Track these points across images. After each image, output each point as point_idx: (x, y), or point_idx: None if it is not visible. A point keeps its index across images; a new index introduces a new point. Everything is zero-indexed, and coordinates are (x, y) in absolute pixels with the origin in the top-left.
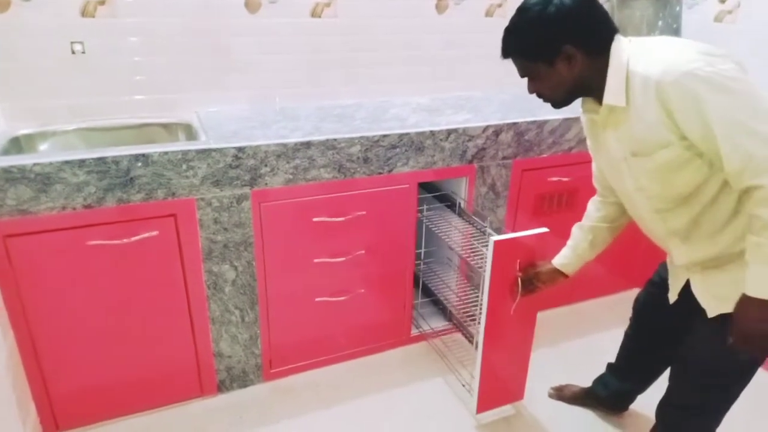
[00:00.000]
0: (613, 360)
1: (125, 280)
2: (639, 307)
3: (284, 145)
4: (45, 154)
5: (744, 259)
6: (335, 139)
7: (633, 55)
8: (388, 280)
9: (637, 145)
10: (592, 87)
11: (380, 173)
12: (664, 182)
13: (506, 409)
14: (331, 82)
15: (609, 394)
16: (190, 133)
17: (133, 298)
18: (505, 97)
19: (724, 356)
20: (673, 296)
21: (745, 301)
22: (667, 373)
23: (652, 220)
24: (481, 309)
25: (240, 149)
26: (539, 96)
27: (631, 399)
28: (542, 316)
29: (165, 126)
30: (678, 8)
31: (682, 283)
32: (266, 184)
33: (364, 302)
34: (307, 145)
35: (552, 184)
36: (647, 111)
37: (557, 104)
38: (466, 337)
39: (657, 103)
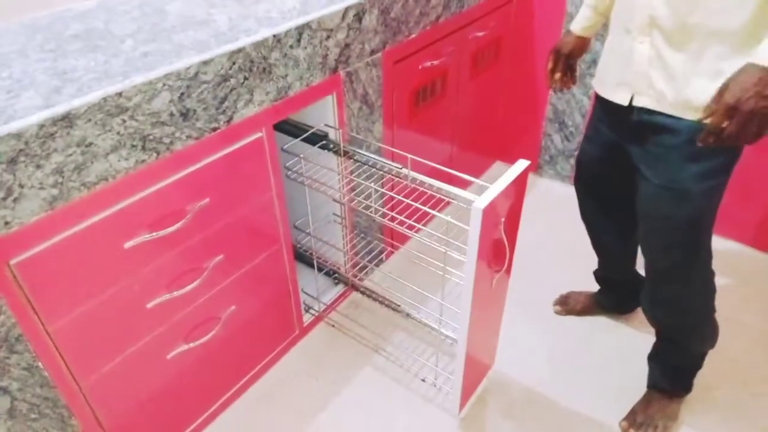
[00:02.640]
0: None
1: None
2: (578, 184)
3: (17, 135)
4: None
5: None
6: (119, 93)
7: None
8: (264, 276)
9: None
10: None
11: (215, 129)
12: None
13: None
14: None
15: (612, 298)
16: None
17: None
18: None
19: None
20: (624, 96)
21: (751, 71)
22: None
23: None
24: (462, 302)
25: None
26: None
27: (637, 291)
28: None
29: None
30: None
31: (638, 84)
32: (6, 223)
33: (239, 321)
34: (67, 119)
35: (424, 72)
36: None
37: None
38: (363, 294)
39: None
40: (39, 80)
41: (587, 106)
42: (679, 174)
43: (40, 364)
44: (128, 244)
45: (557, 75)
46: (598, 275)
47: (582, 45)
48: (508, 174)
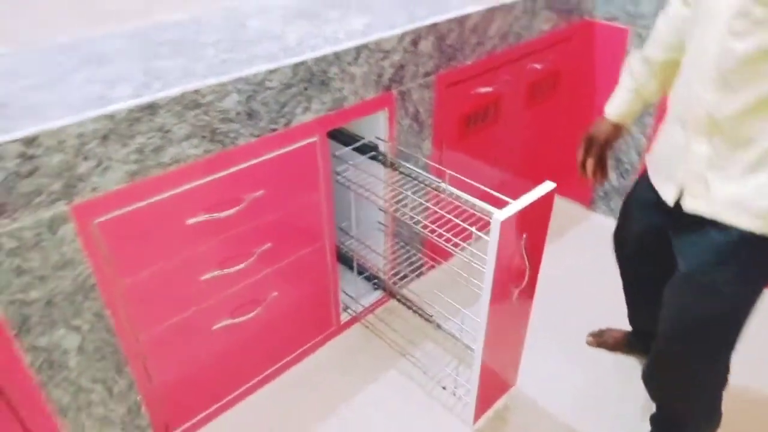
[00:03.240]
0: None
1: None
2: (617, 241)
3: (110, 116)
4: None
5: None
6: (196, 90)
7: None
8: (307, 270)
9: None
10: None
11: (274, 129)
12: None
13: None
14: None
15: (644, 342)
16: None
17: None
18: None
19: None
20: (674, 190)
21: None
22: None
23: (709, 97)
24: (480, 310)
25: (29, 141)
26: None
27: None
28: None
29: None
30: None
31: (690, 184)
32: (95, 188)
33: (281, 307)
34: (151, 108)
35: (476, 97)
36: None
37: None
38: (402, 303)
39: None
40: (133, 76)
41: (644, 144)
42: (715, 271)
43: (107, 312)
44: (190, 221)
45: (590, 166)
46: (631, 320)
47: (618, 132)
48: (532, 193)
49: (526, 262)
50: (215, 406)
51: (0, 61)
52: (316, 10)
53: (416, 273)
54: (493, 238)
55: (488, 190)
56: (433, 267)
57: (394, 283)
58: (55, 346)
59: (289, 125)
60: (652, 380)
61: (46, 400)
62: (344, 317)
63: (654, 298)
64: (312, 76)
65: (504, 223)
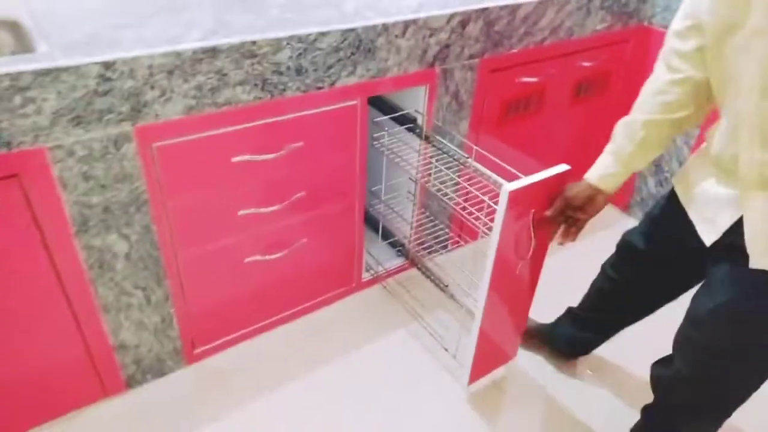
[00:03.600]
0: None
1: None
2: (630, 249)
3: (178, 54)
4: None
5: None
6: (254, 42)
7: None
8: (335, 225)
9: None
10: None
11: (319, 88)
12: None
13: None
14: None
15: (563, 341)
16: (19, 37)
17: None
18: None
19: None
20: (713, 234)
21: None
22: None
23: (756, 151)
24: (484, 275)
25: (108, 65)
26: None
27: (589, 348)
28: None
29: None
30: None
31: (736, 216)
32: (157, 115)
33: (307, 254)
34: (213, 52)
35: (520, 86)
36: None
37: None
38: (422, 272)
39: None
40: (205, 24)
41: (686, 154)
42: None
43: (154, 227)
44: (235, 159)
45: (558, 235)
46: (575, 313)
47: (596, 199)
48: (546, 172)
49: (533, 236)
50: (235, 334)
51: (95, 2)
52: None
53: (442, 246)
54: (501, 207)
55: (511, 169)
56: (460, 245)
57: (418, 252)
58: (107, 248)
59: (334, 86)
60: (660, 378)
61: (94, 295)
62: (366, 276)
63: (643, 309)
64: (360, 43)
65: (512, 194)
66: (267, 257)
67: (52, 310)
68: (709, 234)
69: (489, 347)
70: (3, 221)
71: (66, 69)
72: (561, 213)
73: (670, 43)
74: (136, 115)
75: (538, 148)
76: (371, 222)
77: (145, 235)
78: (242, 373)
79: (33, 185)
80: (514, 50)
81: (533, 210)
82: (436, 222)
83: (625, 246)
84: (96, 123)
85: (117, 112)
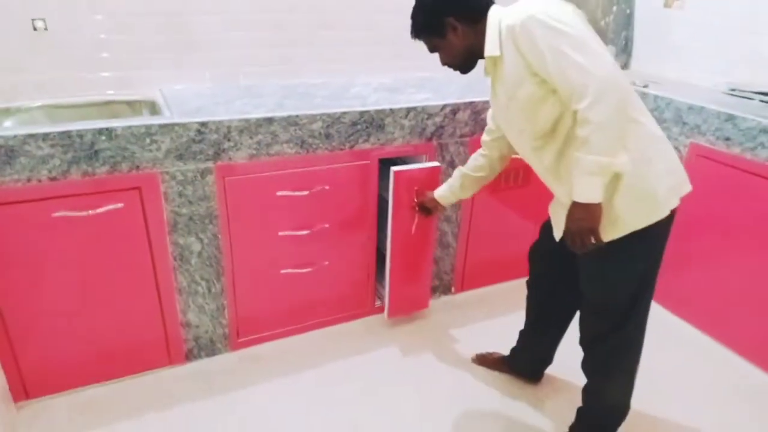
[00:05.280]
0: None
1: (92, 252)
2: (532, 253)
3: (247, 120)
4: (9, 129)
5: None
6: (297, 116)
7: (505, 14)
8: (351, 253)
9: (509, 88)
10: (481, 49)
11: (342, 149)
12: (530, 119)
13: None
14: (295, 61)
15: (523, 360)
16: (154, 109)
17: (100, 269)
18: (465, 79)
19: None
20: (557, 233)
21: (571, 206)
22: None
23: (531, 159)
24: (388, 229)
25: (203, 124)
26: (448, 66)
27: (545, 364)
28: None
29: (129, 103)
30: None
31: (562, 219)
32: (230, 158)
33: (329, 274)
34: (270, 120)
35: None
36: (509, 54)
37: (462, 69)
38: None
39: (513, 45)
40: (269, 105)
41: None
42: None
43: (219, 236)
44: (279, 193)
45: (419, 215)
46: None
47: (438, 205)
48: (423, 164)
49: (415, 201)
50: (272, 332)
51: (205, 90)
52: (400, 87)
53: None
54: (391, 183)
55: None
56: None
57: None
58: (187, 246)
59: (353, 149)
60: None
61: (173, 280)
62: (378, 303)
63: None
64: (372, 120)
65: (397, 173)
66: (298, 270)
67: (145, 286)
68: (556, 234)
69: (403, 290)
70: (128, 217)
71: (177, 124)
72: (420, 206)
73: (484, 133)
74: (216, 157)
75: (522, 215)
76: (383, 258)
77: (213, 240)
78: (274, 361)
79: (147, 196)
80: None
81: (415, 187)
82: None
83: (530, 251)
84: (191, 159)
85: (205, 153)
